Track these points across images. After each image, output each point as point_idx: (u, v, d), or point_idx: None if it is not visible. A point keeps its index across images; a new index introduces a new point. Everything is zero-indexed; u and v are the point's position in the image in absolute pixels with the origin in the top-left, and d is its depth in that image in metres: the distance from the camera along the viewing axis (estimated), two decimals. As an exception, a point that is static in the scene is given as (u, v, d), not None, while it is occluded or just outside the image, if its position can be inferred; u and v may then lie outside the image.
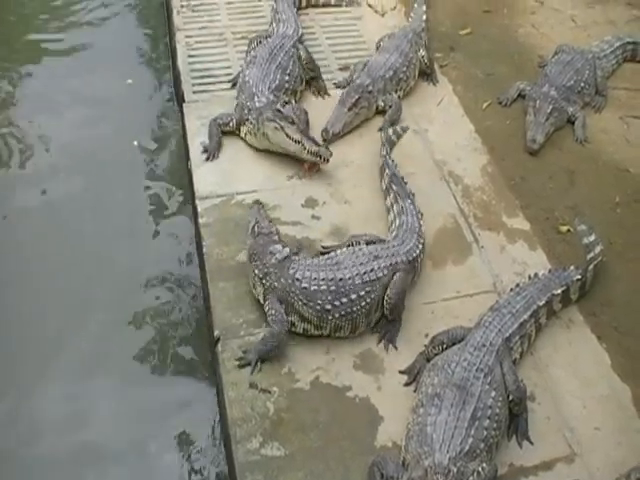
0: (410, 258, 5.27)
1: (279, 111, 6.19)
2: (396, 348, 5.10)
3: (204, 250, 5.64)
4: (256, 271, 5.12)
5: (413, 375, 4.95)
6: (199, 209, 5.95)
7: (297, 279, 4.97)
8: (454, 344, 4.89)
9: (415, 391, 4.76)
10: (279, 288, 4.99)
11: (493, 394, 4.50)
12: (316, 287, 4.94)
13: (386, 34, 7.56)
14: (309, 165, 6.23)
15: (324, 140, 6.50)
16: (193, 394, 5.31)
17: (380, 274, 5.07)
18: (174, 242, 6.25)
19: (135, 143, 7.05)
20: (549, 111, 6.79)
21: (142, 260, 6.07)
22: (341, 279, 4.97)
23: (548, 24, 8.35)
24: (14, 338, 5.53)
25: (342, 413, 4.74)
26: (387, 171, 6.00)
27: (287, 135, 6.12)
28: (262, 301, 5.11)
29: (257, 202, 5.76)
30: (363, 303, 5.00)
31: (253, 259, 5.17)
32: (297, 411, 4.73)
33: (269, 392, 4.82)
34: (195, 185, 6.16)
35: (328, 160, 6.12)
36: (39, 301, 5.77)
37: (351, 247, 5.30)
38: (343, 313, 4.97)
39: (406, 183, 5.90)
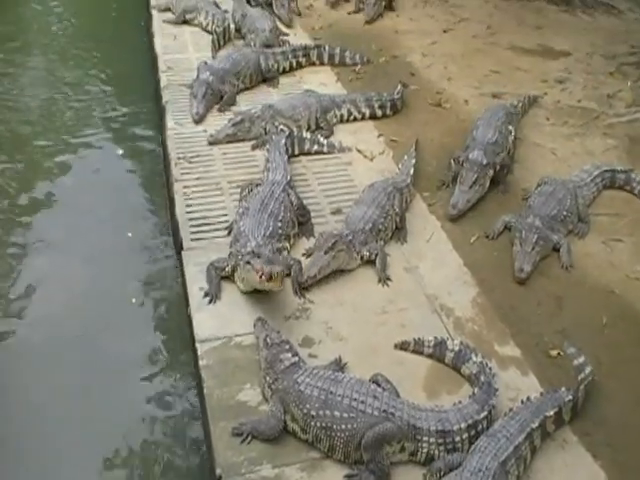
0: (410, 423, 5.48)
1: (254, 252, 6.68)
2: None
3: (205, 391, 6.07)
4: (267, 378, 5.85)
5: (414, 504, 5.29)
6: (199, 352, 6.41)
7: (297, 382, 5.65)
8: (451, 470, 5.24)
9: (416, 519, 5.10)
10: (281, 389, 5.68)
11: (491, 518, 4.86)
12: (309, 392, 5.57)
13: (367, 185, 8.21)
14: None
15: (304, 288, 7.03)
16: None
17: (369, 410, 5.45)
18: (174, 385, 6.72)
19: (133, 300, 7.59)
20: (534, 241, 7.39)
21: (141, 402, 6.51)
22: (332, 392, 5.52)
23: (530, 159, 9.20)
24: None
25: None
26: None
27: (252, 267, 6.55)
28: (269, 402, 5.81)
29: (260, 319, 6.42)
30: (343, 427, 5.41)
31: (266, 367, 5.89)
32: None
33: (271, 528, 5.16)
34: (195, 329, 6.65)
35: (269, 279, 6.37)
36: (32, 437, 6.15)
37: (365, 381, 5.77)
38: (324, 425, 5.45)
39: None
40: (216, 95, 10.19)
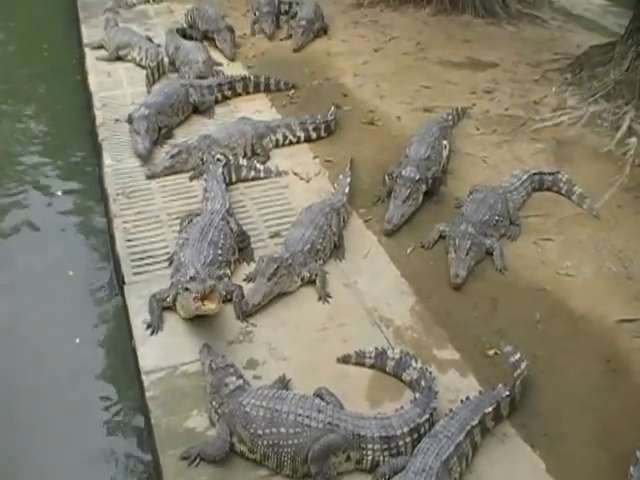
0: (354, 433, 5.68)
1: (191, 278, 6.84)
2: None
3: (152, 421, 6.21)
4: (213, 402, 5.99)
5: (361, 510, 5.48)
6: (145, 383, 6.53)
7: (242, 404, 5.81)
8: (396, 474, 5.45)
9: (364, 525, 5.29)
10: (228, 413, 5.83)
11: (436, 516, 5.07)
12: (255, 412, 5.73)
13: (304, 207, 8.45)
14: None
15: (247, 315, 7.18)
16: None
17: (314, 424, 5.64)
18: (122, 419, 6.87)
19: (77, 340, 7.66)
20: (468, 247, 7.69)
21: (90, 440, 6.64)
22: (277, 410, 5.70)
23: (462, 168, 9.54)
24: None
25: None
26: None
27: (189, 291, 6.74)
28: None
29: (205, 345, 6.57)
30: (290, 442, 5.60)
31: (212, 392, 6.03)
32: None
33: None
34: (140, 361, 6.77)
35: (203, 297, 6.62)
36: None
37: (309, 396, 5.96)
38: (271, 443, 5.62)
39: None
40: (155, 129, 10.29)
